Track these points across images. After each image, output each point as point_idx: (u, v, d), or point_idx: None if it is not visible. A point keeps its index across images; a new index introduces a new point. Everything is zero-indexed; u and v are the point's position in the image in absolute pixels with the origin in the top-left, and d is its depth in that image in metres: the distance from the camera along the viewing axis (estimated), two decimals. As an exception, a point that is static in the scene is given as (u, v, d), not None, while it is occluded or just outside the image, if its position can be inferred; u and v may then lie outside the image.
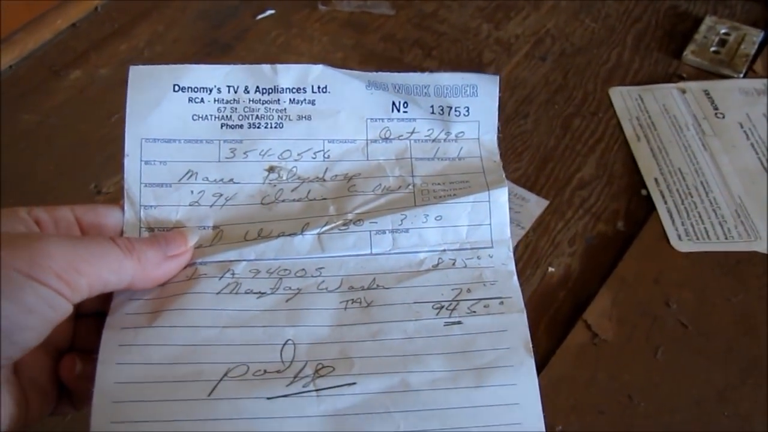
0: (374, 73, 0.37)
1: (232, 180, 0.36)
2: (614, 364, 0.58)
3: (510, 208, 0.65)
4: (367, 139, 0.38)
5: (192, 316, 0.33)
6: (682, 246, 0.66)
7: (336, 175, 0.37)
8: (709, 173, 0.71)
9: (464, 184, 0.38)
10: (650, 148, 0.74)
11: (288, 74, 0.37)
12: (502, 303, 0.36)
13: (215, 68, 0.37)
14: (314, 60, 0.81)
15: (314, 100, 0.37)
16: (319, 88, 0.38)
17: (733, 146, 0.74)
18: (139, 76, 0.36)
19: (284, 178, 0.36)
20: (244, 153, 0.37)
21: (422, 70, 0.80)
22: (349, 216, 0.36)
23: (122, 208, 0.36)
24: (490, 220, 0.38)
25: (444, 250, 0.36)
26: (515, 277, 0.37)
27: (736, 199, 0.69)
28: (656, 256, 0.65)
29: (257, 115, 0.37)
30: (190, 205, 0.36)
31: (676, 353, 0.59)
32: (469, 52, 0.85)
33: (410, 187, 0.37)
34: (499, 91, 0.40)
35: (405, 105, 0.37)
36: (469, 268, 0.36)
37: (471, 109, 0.39)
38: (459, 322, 0.35)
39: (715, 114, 0.77)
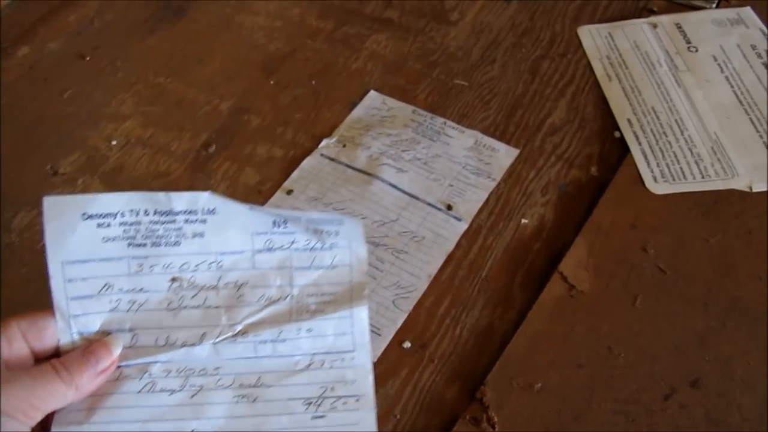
0: (252, 204, 0.43)
1: (142, 289, 0.42)
2: (592, 315, 0.57)
3: (479, 159, 0.63)
4: (253, 250, 0.43)
5: (119, 414, 0.41)
6: (658, 188, 0.64)
7: (228, 283, 0.43)
8: (683, 110, 0.69)
9: (333, 297, 0.44)
10: (622, 87, 0.72)
11: (180, 200, 0.42)
12: (357, 400, 0.43)
13: (117, 196, 0.42)
14: (271, 18, 0.78)
15: (205, 220, 0.42)
16: (208, 210, 0.42)
17: (707, 80, 0.72)
18: (52, 206, 0.41)
19: (185, 286, 0.43)
20: (150, 266, 0.42)
21: (383, 20, 0.77)
22: (238, 327, 0.43)
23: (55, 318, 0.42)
24: (352, 330, 0.44)
25: (315, 354, 0.43)
26: (371, 377, 0.43)
27: (711, 136, 0.67)
28: (632, 201, 0.63)
29: (158, 235, 0.42)
30: (110, 312, 0.42)
31: (655, 300, 0.57)
32: (431, -1, 0.82)
33: (288, 298, 0.44)
34: (364, 238, 0.44)
35: (284, 222, 0.43)
36: (335, 369, 0.43)
37: (341, 231, 0.44)
38: (323, 416, 0.42)
39: (688, 48, 0.75)
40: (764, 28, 0.75)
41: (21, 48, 0.80)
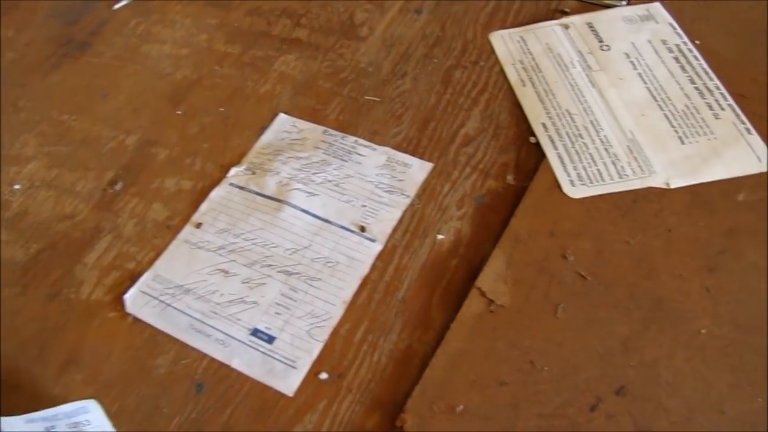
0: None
1: None
2: (513, 329, 0.55)
3: (392, 176, 0.61)
4: None
5: None
6: (576, 192, 0.62)
7: None
8: (598, 111, 0.68)
9: None
10: (536, 91, 0.70)
11: None
12: None
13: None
14: (178, 45, 0.75)
15: None
16: None
17: (620, 79, 0.71)
18: None
19: None
20: None
21: (292, 40, 0.74)
22: None
23: None
24: None
25: None
26: None
27: (627, 135, 0.66)
28: (549, 207, 0.61)
29: None
30: None
31: (577, 308, 0.56)
32: (340, 15, 0.80)
33: None
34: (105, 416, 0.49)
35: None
36: None
37: (90, 419, 0.47)
38: None
39: (600, 47, 0.74)
40: (674, 23, 0.74)
41: None
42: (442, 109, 0.70)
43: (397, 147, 0.67)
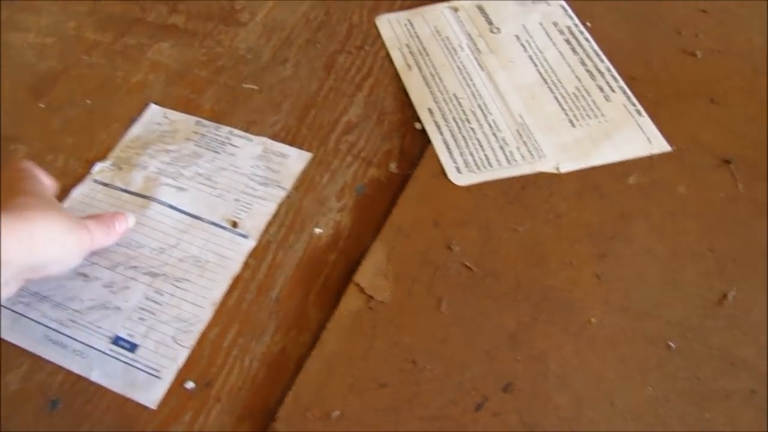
0: None
1: None
2: (394, 327, 0.51)
3: (268, 168, 0.57)
4: None
5: None
6: (462, 179, 0.59)
7: None
8: (486, 94, 0.65)
9: None
10: (422, 76, 0.67)
11: None
12: None
13: None
14: (43, 34, 0.69)
15: None
16: None
17: (510, 61, 0.68)
18: None
19: None
20: None
21: (167, 27, 0.69)
22: None
23: None
24: None
25: None
26: None
27: (516, 118, 0.63)
28: (434, 196, 0.58)
29: None
30: None
31: (462, 302, 0.52)
32: (219, 0, 0.75)
33: None
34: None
35: None
36: None
37: None
38: None
39: (490, 29, 0.71)
40: (565, 5, 0.72)
41: None
42: (324, 96, 0.66)
43: (275, 137, 0.63)
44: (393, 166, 0.60)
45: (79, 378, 0.51)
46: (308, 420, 0.47)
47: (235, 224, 0.57)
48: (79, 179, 0.61)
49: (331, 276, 0.54)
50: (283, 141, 0.62)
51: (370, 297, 0.52)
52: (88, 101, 0.67)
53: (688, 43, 0.68)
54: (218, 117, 0.64)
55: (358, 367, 0.50)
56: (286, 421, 0.48)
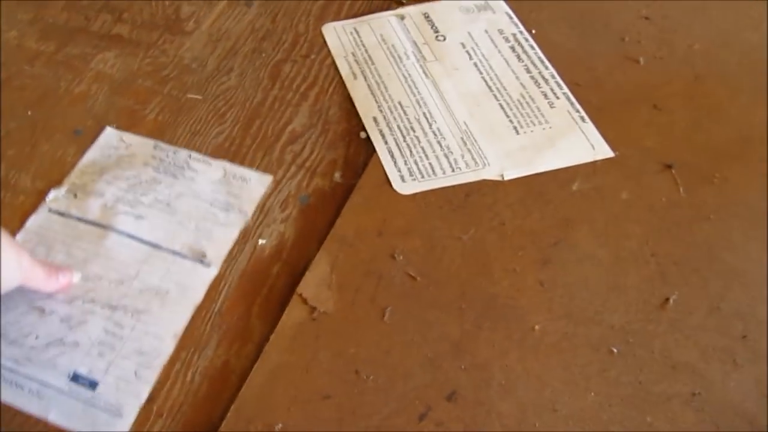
0: None
1: None
2: (337, 338, 0.51)
3: (228, 192, 0.56)
4: None
5: None
6: (406, 188, 0.59)
7: None
8: (431, 102, 0.65)
9: None
10: (368, 84, 0.67)
11: None
12: None
13: None
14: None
15: None
16: None
17: (455, 69, 0.68)
18: None
19: None
20: None
21: (111, 36, 0.68)
22: None
23: None
24: None
25: None
26: None
27: (461, 126, 0.63)
28: (378, 205, 0.58)
29: None
30: None
31: (406, 311, 0.52)
32: (165, 9, 0.75)
33: None
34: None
35: None
36: None
37: None
38: None
39: (436, 37, 0.71)
40: (510, 12, 0.72)
41: None
42: (269, 106, 0.65)
43: (219, 147, 0.62)
44: (338, 176, 0.60)
45: (38, 421, 0.49)
46: (250, 434, 0.47)
47: (197, 252, 0.56)
48: (27, 194, 0.60)
49: (274, 287, 0.54)
50: (227, 152, 0.61)
51: (314, 308, 0.52)
52: (30, 112, 0.66)
53: (631, 50, 0.69)
54: (162, 128, 0.64)
55: (302, 378, 0.49)
56: (228, 435, 0.47)
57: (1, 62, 0.70)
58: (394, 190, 0.59)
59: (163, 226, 0.57)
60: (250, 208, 0.58)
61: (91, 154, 0.62)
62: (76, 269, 0.55)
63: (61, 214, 0.58)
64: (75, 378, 0.50)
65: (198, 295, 0.54)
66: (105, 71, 0.70)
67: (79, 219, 0.58)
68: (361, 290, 0.53)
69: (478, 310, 0.53)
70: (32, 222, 0.58)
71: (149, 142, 0.63)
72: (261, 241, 0.56)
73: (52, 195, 0.60)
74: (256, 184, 0.60)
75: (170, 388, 0.50)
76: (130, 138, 0.63)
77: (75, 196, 0.59)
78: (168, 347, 0.51)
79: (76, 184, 0.60)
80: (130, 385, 0.50)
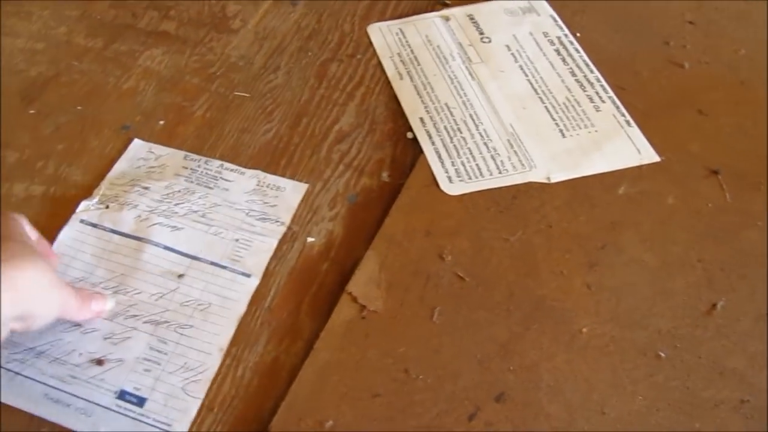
0: None
1: None
2: (387, 337, 0.51)
3: (263, 202, 0.57)
4: None
5: None
6: (454, 188, 0.59)
7: None
8: (477, 104, 0.65)
9: None
10: (414, 85, 0.67)
11: None
12: None
13: None
14: (33, 39, 0.69)
15: None
16: None
17: (501, 71, 0.68)
18: None
19: None
20: None
21: (159, 33, 0.69)
22: None
23: None
24: None
25: None
26: None
27: (507, 128, 0.63)
28: (426, 205, 0.58)
29: None
30: None
31: (455, 312, 0.53)
32: (211, 7, 0.76)
33: None
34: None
35: None
36: None
37: None
38: None
39: (481, 39, 0.71)
40: (555, 15, 0.73)
41: None
42: (316, 105, 0.66)
43: (267, 144, 0.63)
44: (385, 176, 0.61)
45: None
46: (302, 429, 0.48)
47: (236, 262, 0.56)
48: (70, 187, 0.60)
49: (323, 285, 0.55)
50: (275, 150, 0.62)
51: (363, 306, 0.52)
52: (79, 107, 0.67)
53: (676, 54, 0.69)
54: (211, 124, 0.64)
55: (351, 376, 0.50)
56: (279, 430, 0.48)
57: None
58: (442, 191, 0.59)
59: (200, 237, 0.57)
60: (287, 216, 0.58)
61: (120, 166, 0.62)
62: (114, 287, 0.54)
63: (94, 225, 0.58)
64: (122, 395, 0.49)
65: (240, 306, 0.54)
66: (153, 68, 0.70)
67: (113, 231, 0.58)
68: (409, 290, 0.54)
69: (525, 311, 0.53)
70: (65, 234, 0.57)
71: (179, 153, 0.63)
72: (310, 239, 0.57)
73: (82, 206, 0.59)
74: (291, 192, 0.60)
75: (221, 383, 0.50)
76: (158, 149, 0.63)
77: (107, 207, 0.59)
78: (215, 361, 0.51)
79: (107, 195, 0.60)
80: (179, 401, 0.50)
